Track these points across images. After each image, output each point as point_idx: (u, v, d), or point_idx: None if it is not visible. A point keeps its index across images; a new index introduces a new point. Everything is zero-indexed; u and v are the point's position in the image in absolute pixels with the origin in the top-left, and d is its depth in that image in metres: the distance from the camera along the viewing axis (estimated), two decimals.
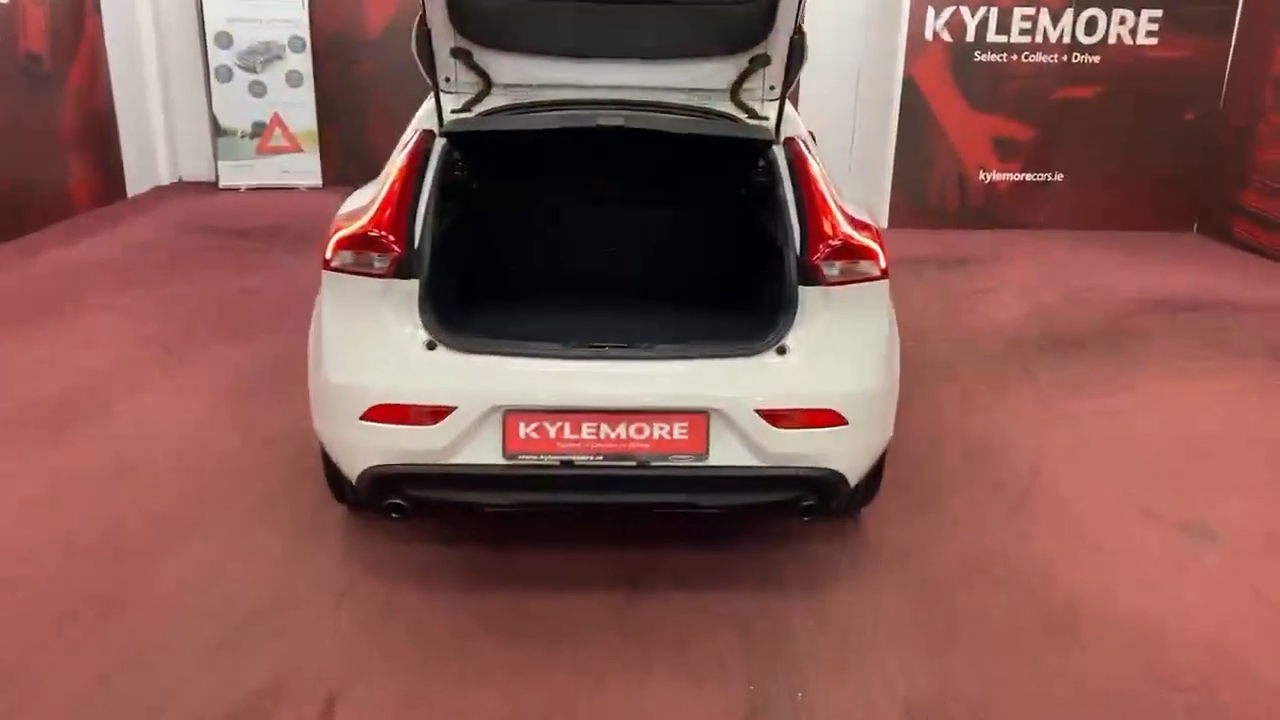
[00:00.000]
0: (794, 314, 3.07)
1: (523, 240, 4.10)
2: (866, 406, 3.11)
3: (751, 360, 3.04)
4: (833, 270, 3.07)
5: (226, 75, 9.89)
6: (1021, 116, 8.57)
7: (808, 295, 3.08)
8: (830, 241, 3.08)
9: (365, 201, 3.23)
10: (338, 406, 3.06)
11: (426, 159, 3.34)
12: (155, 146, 9.85)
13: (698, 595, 3.14)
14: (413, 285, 3.04)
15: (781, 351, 3.04)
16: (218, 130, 10.01)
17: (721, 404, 2.98)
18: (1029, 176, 8.77)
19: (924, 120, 8.50)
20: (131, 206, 9.07)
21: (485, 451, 3.00)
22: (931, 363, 5.51)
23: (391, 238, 3.02)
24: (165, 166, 10.00)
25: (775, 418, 2.98)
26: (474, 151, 3.40)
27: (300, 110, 9.78)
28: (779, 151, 3.50)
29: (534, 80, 3.71)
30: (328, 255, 3.05)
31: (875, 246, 3.12)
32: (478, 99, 3.68)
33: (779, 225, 3.29)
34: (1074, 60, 8.75)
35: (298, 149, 9.88)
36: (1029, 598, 3.35)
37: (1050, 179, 8.79)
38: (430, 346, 3.00)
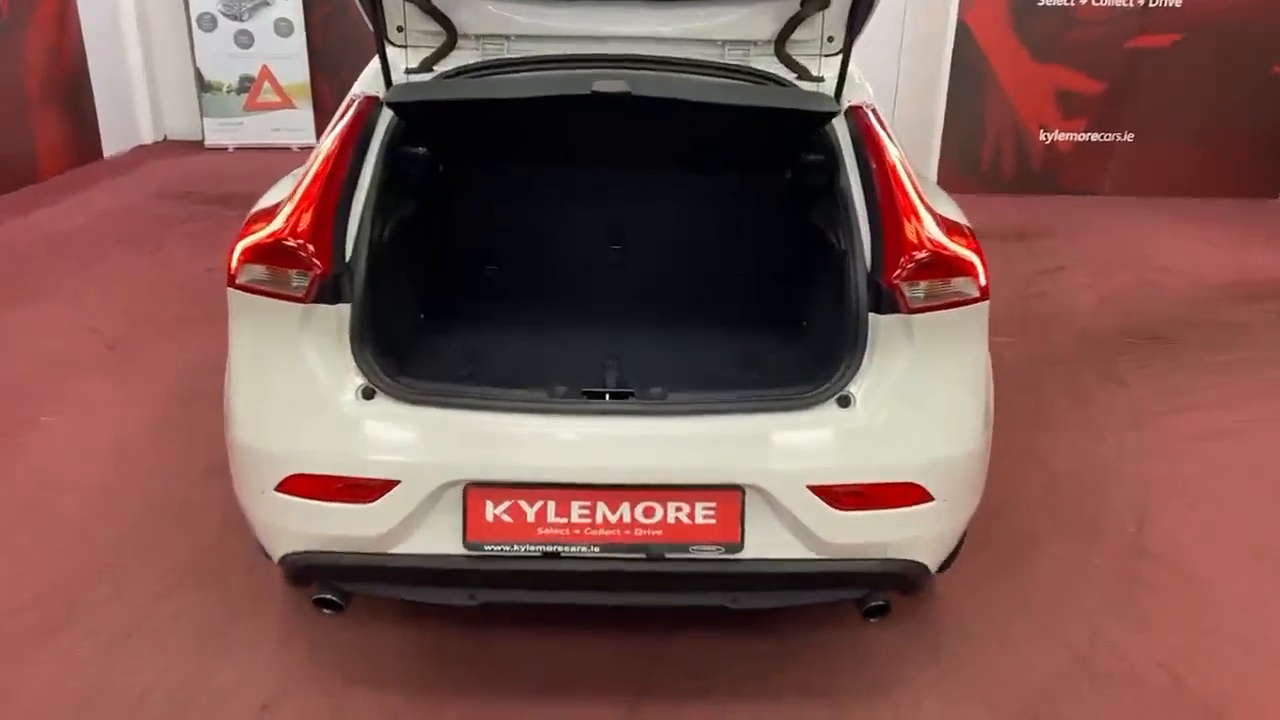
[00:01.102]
0: (862, 351, 2.27)
1: (500, 244, 3.29)
2: (960, 475, 2.32)
3: (804, 415, 2.25)
4: (917, 292, 2.25)
5: (210, 23, 9.09)
6: (1089, 68, 7.63)
7: (882, 326, 2.28)
8: (916, 254, 2.25)
9: (287, 192, 2.42)
10: (248, 473, 2.31)
11: (367, 137, 2.53)
12: (135, 102, 9.05)
13: (723, 702, 2.53)
14: (342, 312, 2.26)
15: (845, 403, 2.24)
16: (202, 85, 9.19)
17: (762, 477, 2.20)
18: (1095, 136, 7.87)
19: (979, 72, 7.60)
20: (107, 169, 8.32)
21: (440, 539, 2.24)
22: (997, 364, 4.64)
23: (312, 248, 2.23)
24: (147, 124, 9.20)
25: (836, 496, 2.20)
26: (433, 127, 2.58)
27: (291, 62, 8.94)
28: (841, 126, 2.65)
29: (513, 30, 2.87)
30: (231, 267, 2.25)
31: (974, 259, 2.30)
32: (439, 55, 2.84)
33: (841, 227, 2.46)
34: (1150, 5, 7.75)
35: (289, 104, 9.05)
36: (1158, 712, 2.56)
37: (1119, 139, 7.89)
38: (367, 395, 2.22)
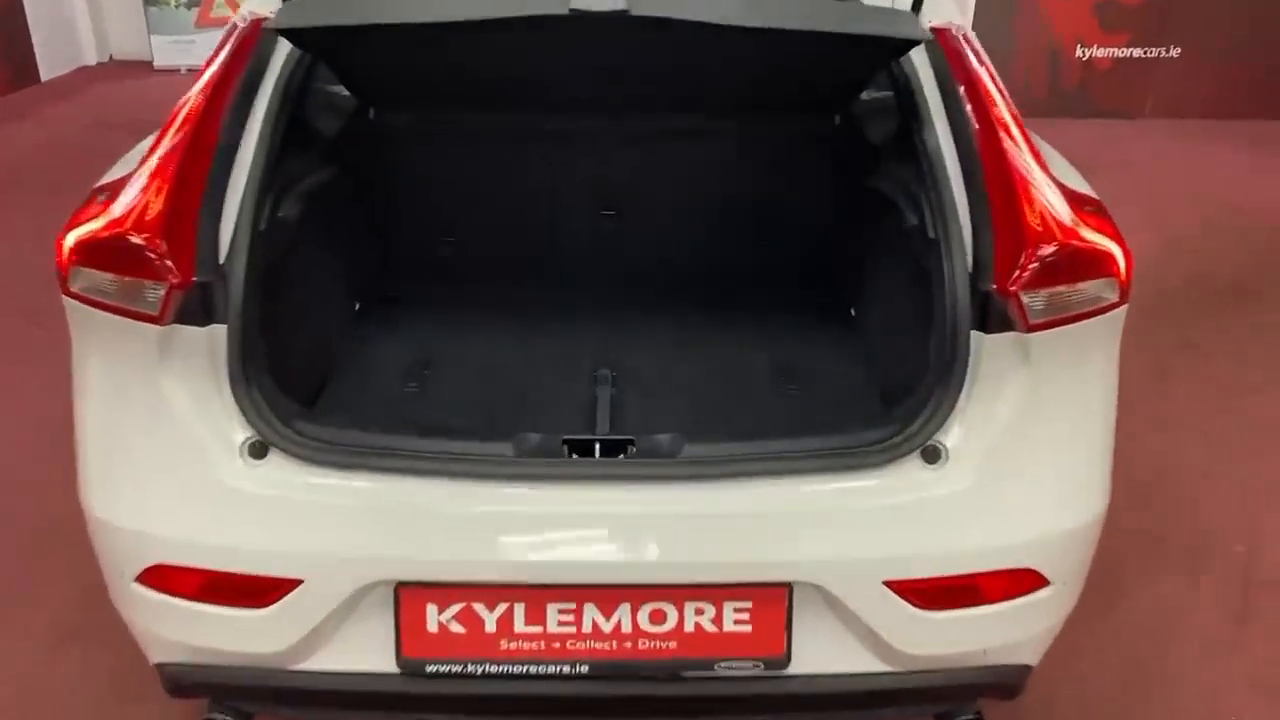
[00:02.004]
0: (959, 384, 1.60)
1: (458, 214, 2.59)
2: (1083, 548, 1.69)
3: (876, 478, 1.59)
4: (1038, 303, 1.56)
5: None
6: None
7: (990, 348, 1.62)
8: (1043, 248, 1.56)
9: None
10: (104, 556, 1.67)
11: (255, 78, 1.80)
12: (75, 18, 8.15)
13: None
14: (216, 335, 1.58)
15: (933, 457, 1.59)
16: None
17: (818, 569, 1.58)
18: (1138, 52, 7.15)
19: None
20: (46, 93, 7.59)
21: (366, 654, 1.61)
22: None
23: (165, 246, 1.53)
24: (90, 43, 8.35)
25: (922, 592, 1.55)
26: (351, 61, 1.86)
27: None
28: (920, 56, 1.92)
29: None
30: (61, 268, 1.57)
31: (1115, 250, 1.61)
32: None
33: (925, 202, 1.78)
34: None
35: None
36: None
37: (1164, 54, 7.13)
38: (256, 452, 1.57)
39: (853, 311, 2.44)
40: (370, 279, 2.51)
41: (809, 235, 2.52)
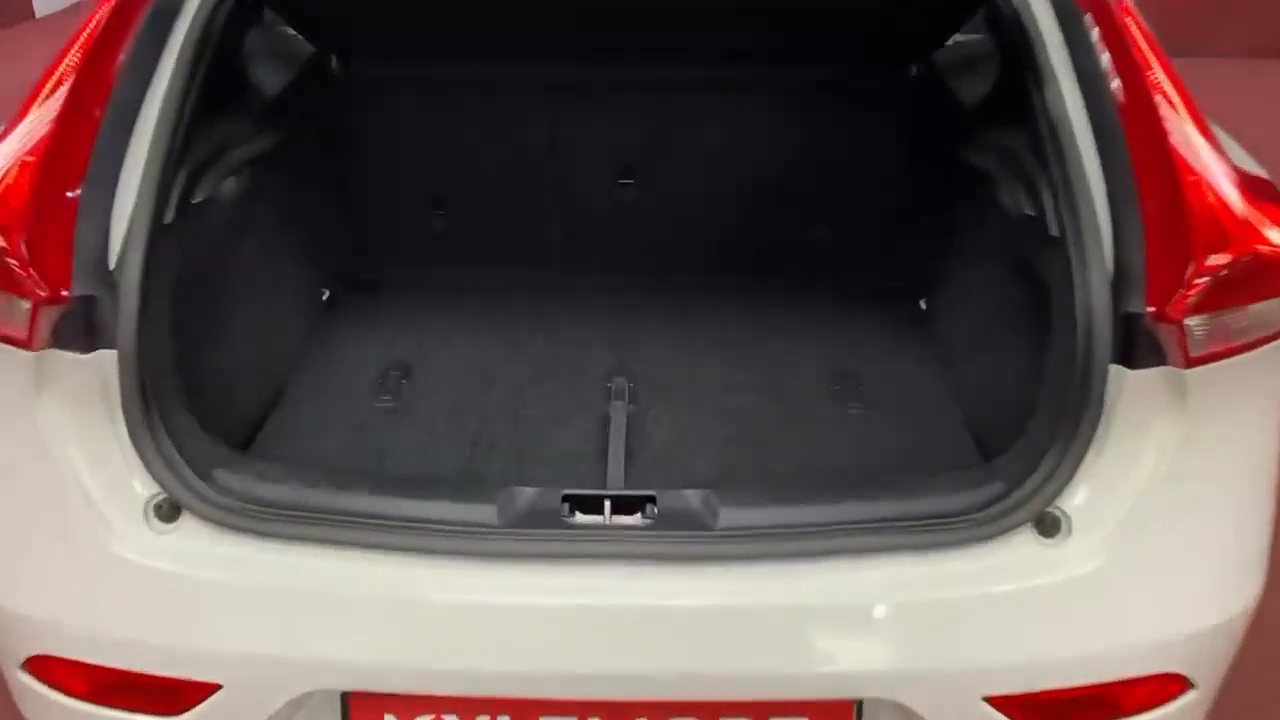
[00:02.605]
0: (1089, 431, 1.21)
1: (449, 182, 2.15)
2: (1230, 643, 1.30)
3: (974, 556, 1.21)
4: (1202, 329, 1.15)
5: None
6: None
7: (1133, 388, 1.21)
8: (1218, 258, 1.15)
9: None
10: None
11: (165, 17, 1.39)
12: None
13: None
14: (107, 363, 1.19)
15: (1052, 529, 1.22)
16: None
17: (898, 682, 1.21)
18: None
19: None
20: (37, 30, 7.04)
21: None
22: None
23: (25, 248, 1.15)
24: None
25: (1036, 708, 1.20)
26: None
27: None
28: None
29: None
30: None
31: None
32: None
33: (1044, 188, 1.35)
34: None
35: None
36: None
37: None
38: (165, 514, 1.21)
39: (923, 304, 2.02)
40: (341, 261, 2.12)
41: (871, 212, 2.09)
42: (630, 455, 1.63)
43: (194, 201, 1.39)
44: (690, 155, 2.01)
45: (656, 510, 1.26)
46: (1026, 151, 1.43)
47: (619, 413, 1.71)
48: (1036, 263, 1.40)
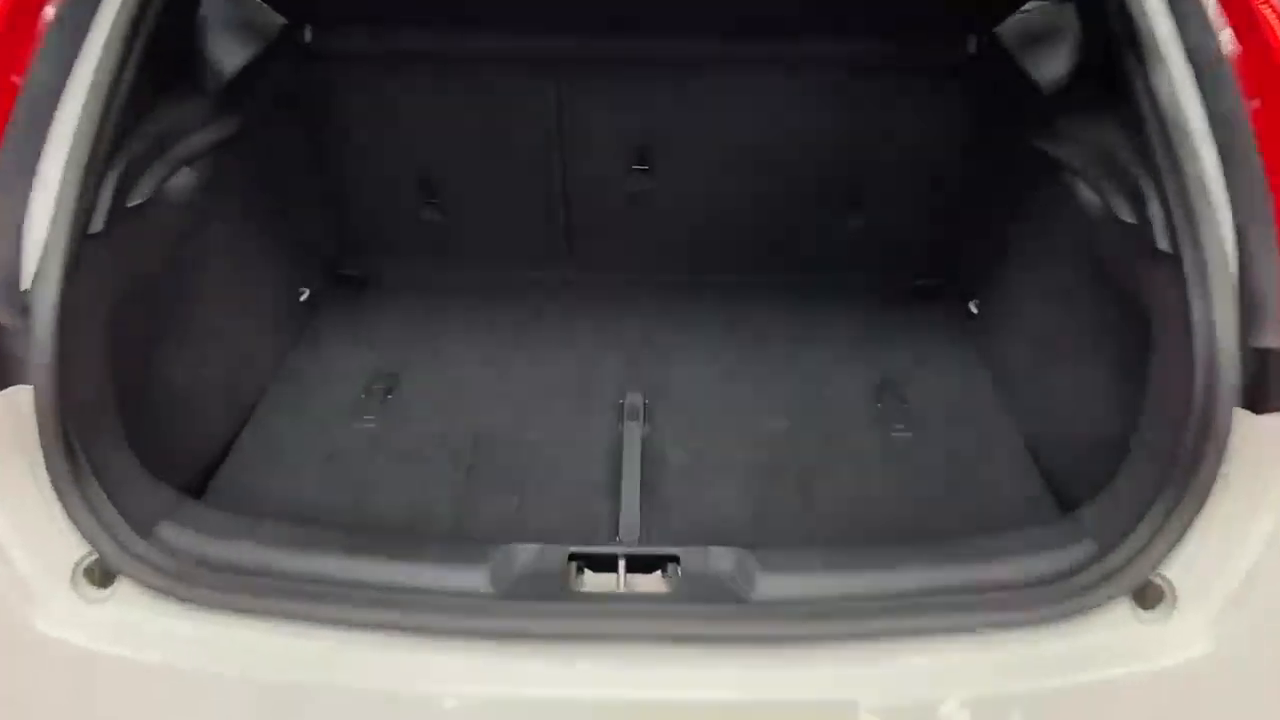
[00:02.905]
0: (1204, 487, 1.01)
1: (442, 169, 1.90)
2: None
3: (1056, 635, 1.01)
4: None
5: None
6: None
7: (1259, 434, 1.01)
8: None
9: None
10: None
11: None
12: None
13: None
14: (19, 402, 0.99)
15: (1151, 601, 1.03)
16: None
17: None
18: None
19: None
20: None
21: None
22: None
23: None
24: None
25: None
26: None
27: None
28: None
29: None
30: None
31: None
32: None
33: (1150, 194, 1.13)
34: None
35: None
36: None
37: None
38: (97, 578, 1.02)
39: (973, 307, 1.81)
40: (323, 256, 1.91)
41: (917, 203, 1.86)
42: (646, 488, 1.43)
43: (130, 205, 1.18)
44: (713, 140, 1.78)
45: (680, 572, 1.07)
46: (1126, 148, 1.21)
47: (633, 437, 1.52)
48: (1133, 278, 1.19)
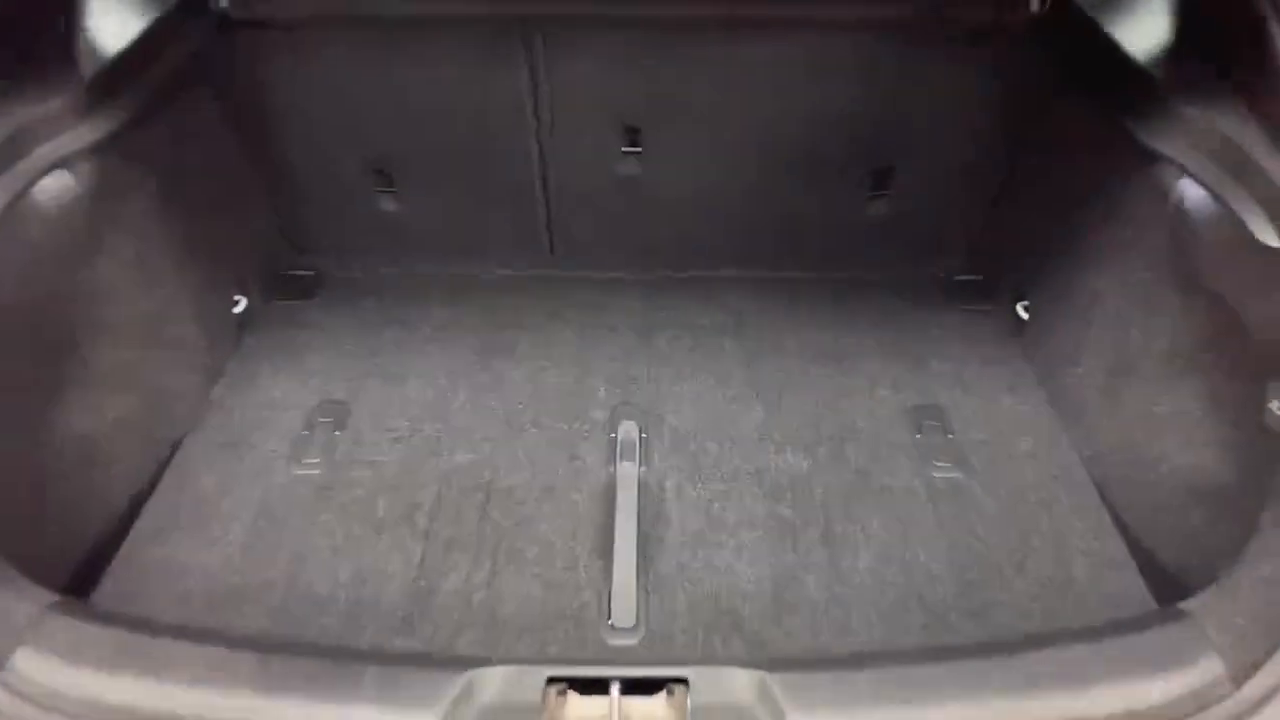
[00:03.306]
0: None
1: (398, 150, 1.62)
2: None
3: None
4: None
5: None
6: None
7: None
8: None
9: None
10: None
11: None
12: None
13: None
14: None
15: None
16: None
17: None
18: None
19: None
20: None
21: None
22: None
23: None
24: None
25: None
26: None
27: None
28: None
29: None
30: None
31: None
32: None
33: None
34: None
35: None
36: None
37: None
38: None
39: (1022, 310, 1.54)
40: (261, 256, 1.63)
41: (955, 187, 1.59)
42: (644, 551, 1.18)
43: None
44: (717, 116, 1.50)
45: (689, 705, 0.82)
46: (1265, 149, 0.94)
47: (628, 483, 1.26)
48: (1255, 296, 0.93)
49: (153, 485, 1.29)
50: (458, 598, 1.15)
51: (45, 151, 1.04)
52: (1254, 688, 0.80)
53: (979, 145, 1.51)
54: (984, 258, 1.66)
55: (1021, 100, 1.44)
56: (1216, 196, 1.02)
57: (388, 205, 1.63)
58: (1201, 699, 0.81)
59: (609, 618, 1.11)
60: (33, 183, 1.02)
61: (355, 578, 1.17)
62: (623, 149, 1.54)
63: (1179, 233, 1.11)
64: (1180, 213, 1.09)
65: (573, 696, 0.87)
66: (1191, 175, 1.07)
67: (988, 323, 1.59)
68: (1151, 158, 1.15)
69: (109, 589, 1.15)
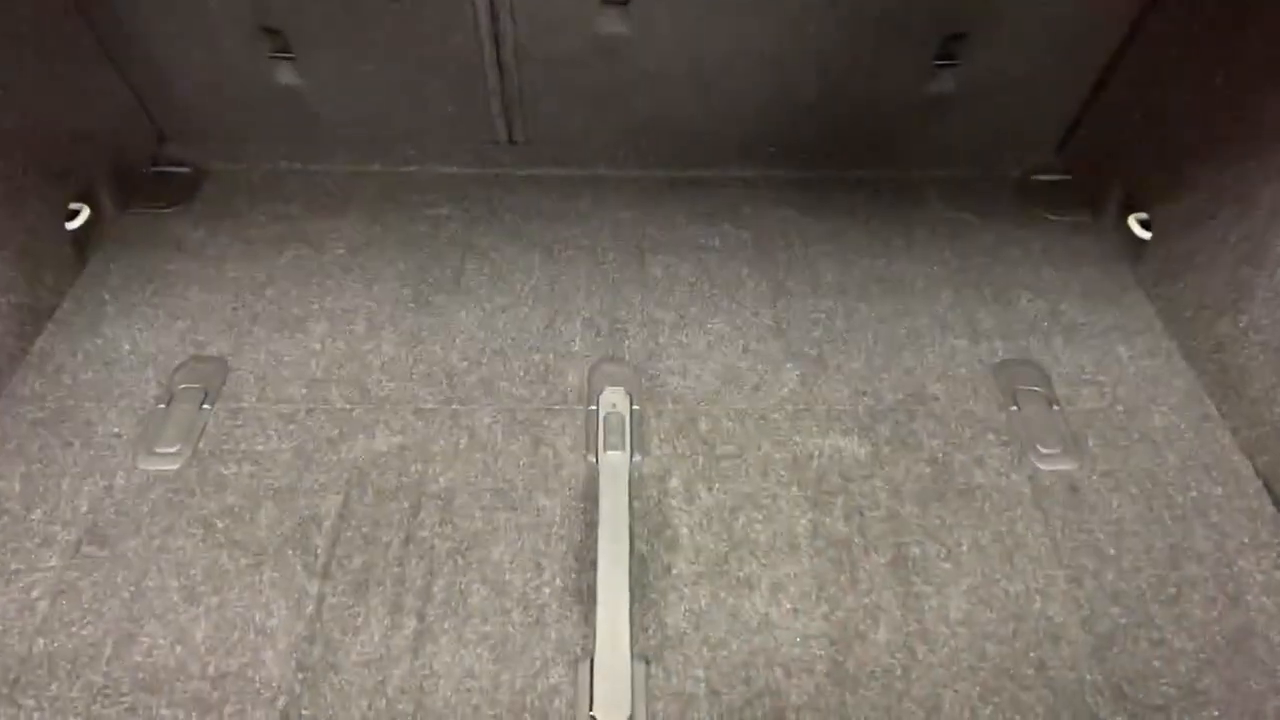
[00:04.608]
0: None
1: (272, 19, 1.17)
2: None
3: None
4: None
5: None
6: None
7: None
8: None
9: None
10: None
11: None
12: None
13: None
14: None
15: None
16: None
17: None
18: None
19: None
20: None
21: None
22: None
23: None
24: None
25: None
26: None
27: None
28: None
29: None
30: None
31: None
32: None
33: None
34: None
35: None
36: None
37: None
38: None
39: (1138, 228, 1.15)
40: (114, 148, 1.20)
41: (1050, 55, 1.17)
42: (639, 590, 0.82)
43: None
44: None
45: None
46: None
47: (616, 483, 0.89)
48: None
49: None
50: (368, 674, 0.78)
51: None
52: None
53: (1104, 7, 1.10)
54: (1080, 151, 1.25)
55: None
56: None
57: (285, 77, 1.20)
58: None
59: (590, 709, 0.76)
60: None
61: (218, 639, 0.80)
62: (601, 2, 1.12)
63: None
64: None
65: None
66: None
67: (1089, 241, 1.20)
68: None
69: None
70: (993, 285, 1.16)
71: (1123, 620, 0.83)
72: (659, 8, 1.14)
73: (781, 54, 1.17)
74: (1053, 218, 1.26)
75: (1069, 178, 1.29)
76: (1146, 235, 1.15)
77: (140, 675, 0.78)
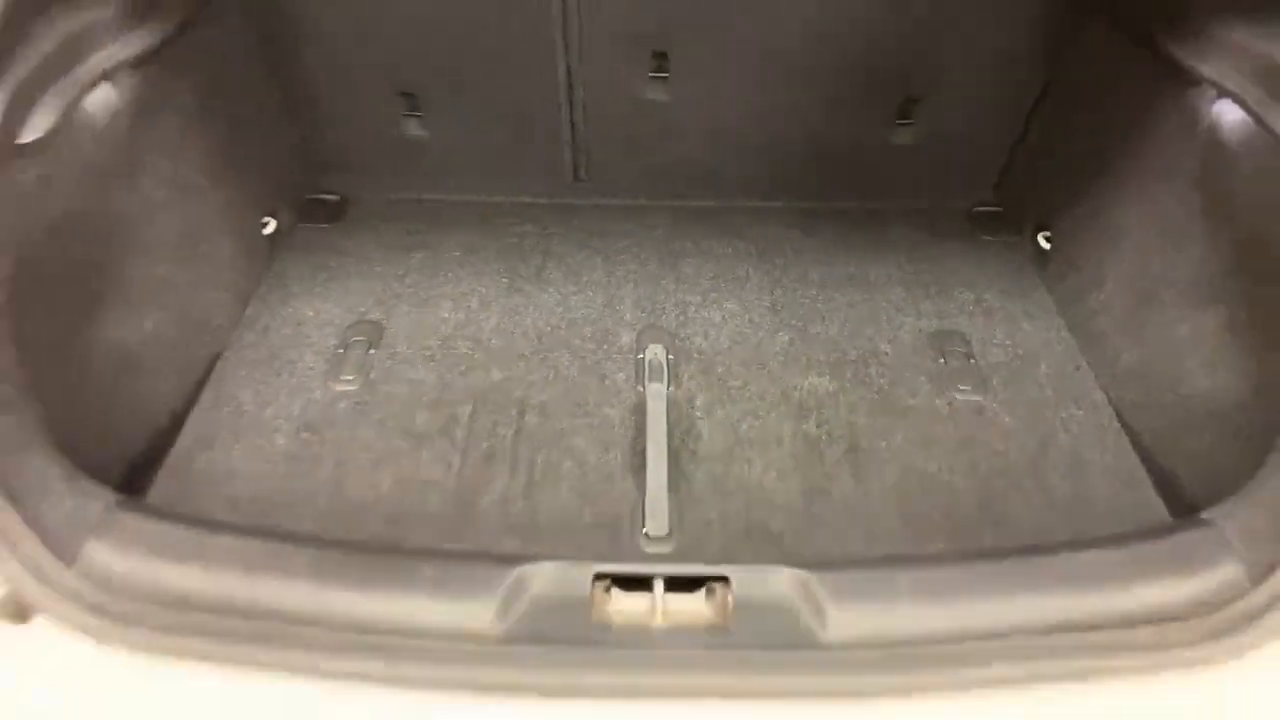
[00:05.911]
0: None
1: (419, 81, 1.62)
2: None
3: (1199, 688, 0.84)
4: None
5: None
6: None
7: None
8: None
9: None
10: None
11: None
12: None
13: None
14: None
15: None
16: None
17: None
18: None
19: None
20: None
21: None
22: None
23: None
24: None
25: None
26: None
27: None
28: None
29: None
30: None
31: None
32: None
33: None
34: None
35: None
36: None
37: None
38: (11, 613, 0.84)
39: (1043, 240, 1.56)
40: (289, 177, 1.64)
41: (982, 113, 1.60)
42: (675, 466, 1.22)
43: (26, 140, 0.93)
44: (743, 41, 1.51)
45: (732, 601, 0.86)
46: None
47: (657, 401, 1.30)
48: None
49: (192, 400, 1.32)
50: (497, 506, 1.18)
51: (95, 62, 1.05)
52: (1270, 586, 0.83)
53: (1007, 74, 1.52)
54: (1008, 189, 1.68)
55: (1054, 25, 1.44)
56: (1257, 119, 1.04)
57: (414, 130, 1.64)
58: (1220, 597, 0.84)
59: (643, 527, 1.15)
60: (84, 94, 1.03)
61: (397, 487, 1.21)
62: (650, 74, 1.55)
63: (1213, 157, 1.12)
64: (1215, 136, 1.11)
65: (617, 592, 0.91)
66: (1230, 95, 1.09)
67: (1010, 253, 1.62)
68: (1187, 81, 1.16)
69: (159, 495, 1.18)
70: (936, 284, 1.56)
71: (1002, 487, 1.22)
72: (690, 81, 1.56)
73: (777, 114, 1.59)
74: (988, 238, 1.67)
75: (1001, 209, 1.70)
76: (1047, 247, 1.56)
77: (348, 508, 1.18)
